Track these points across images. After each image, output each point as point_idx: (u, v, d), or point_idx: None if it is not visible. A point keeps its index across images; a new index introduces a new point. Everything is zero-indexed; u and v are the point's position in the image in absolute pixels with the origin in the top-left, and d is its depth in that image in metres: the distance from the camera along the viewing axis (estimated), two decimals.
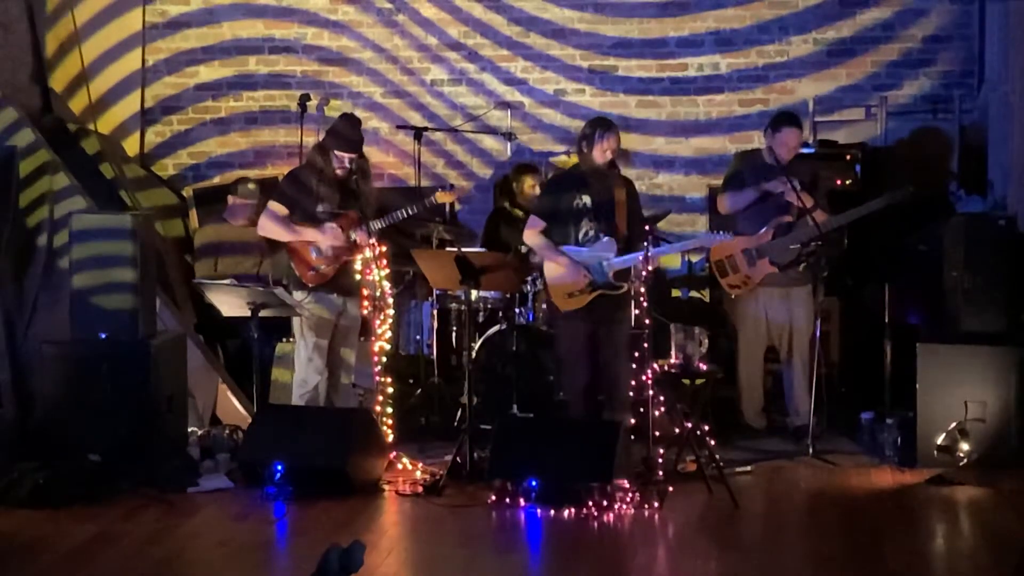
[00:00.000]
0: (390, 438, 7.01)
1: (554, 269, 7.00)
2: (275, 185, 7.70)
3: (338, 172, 7.17)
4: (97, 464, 6.63)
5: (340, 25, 9.67)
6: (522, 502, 6.30)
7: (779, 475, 6.97)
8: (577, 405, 6.97)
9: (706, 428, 6.70)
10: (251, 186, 8.60)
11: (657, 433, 6.55)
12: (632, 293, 6.97)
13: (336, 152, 7.16)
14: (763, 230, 7.55)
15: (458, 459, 6.77)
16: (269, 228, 7.25)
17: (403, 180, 9.49)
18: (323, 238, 7.16)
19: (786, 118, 7.67)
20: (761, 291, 7.63)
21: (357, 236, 7.17)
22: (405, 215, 7.29)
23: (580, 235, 6.93)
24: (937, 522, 6.25)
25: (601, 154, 6.90)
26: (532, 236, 7.06)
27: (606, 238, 6.89)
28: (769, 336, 7.71)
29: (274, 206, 7.22)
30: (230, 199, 8.62)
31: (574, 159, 8.97)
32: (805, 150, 8.49)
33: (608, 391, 6.93)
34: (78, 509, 6.30)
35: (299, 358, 7.30)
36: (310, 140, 8.12)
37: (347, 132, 7.21)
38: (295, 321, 7.29)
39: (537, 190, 8.58)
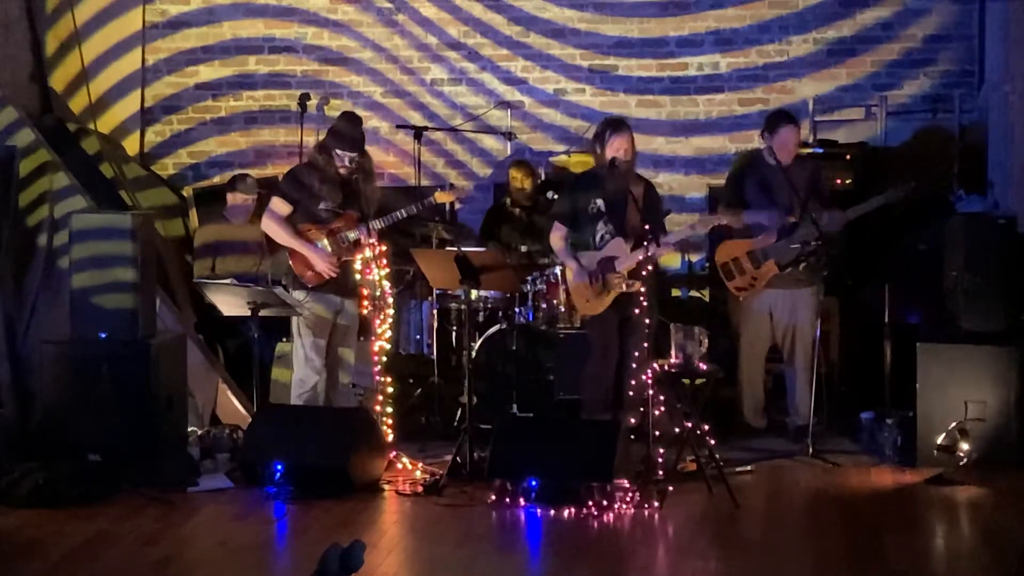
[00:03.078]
0: (390, 438, 7.01)
1: (572, 274, 7.06)
2: (276, 183, 7.69)
3: (340, 171, 7.17)
4: (97, 464, 6.63)
5: (340, 25, 9.67)
6: (522, 502, 6.30)
7: (779, 475, 6.97)
8: (596, 405, 6.98)
9: (706, 428, 6.70)
10: (250, 180, 8.62)
11: (657, 433, 6.55)
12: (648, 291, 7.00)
13: (337, 151, 7.15)
14: (767, 231, 7.54)
15: (458, 459, 6.77)
16: (271, 227, 7.24)
17: (403, 180, 9.49)
18: (316, 260, 7.13)
19: (781, 117, 7.59)
20: (766, 292, 7.62)
21: (359, 235, 7.15)
22: (405, 215, 7.28)
23: (597, 239, 6.98)
24: (937, 522, 6.25)
25: (613, 153, 6.93)
26: (555, 241, 7.21)
27: (617, 238, 6.91)
28: (773, 336, 7.69)
29: (276, 204, 7.22)
30: (229, 198, 8.61)
31: (574, 158, 9.01)
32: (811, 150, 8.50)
33: (621, 390, 6.95)
34: (78, 509, 6.29)
35: (297, 357, 7.29)
36: (310, 140, 8.14)
37: (347, 131, 7.20)
38: (293, 320, 7.29)
39: (518, 183, 8.61)
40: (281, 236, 7.20)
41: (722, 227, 7.64)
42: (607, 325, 7.00)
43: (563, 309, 7.43)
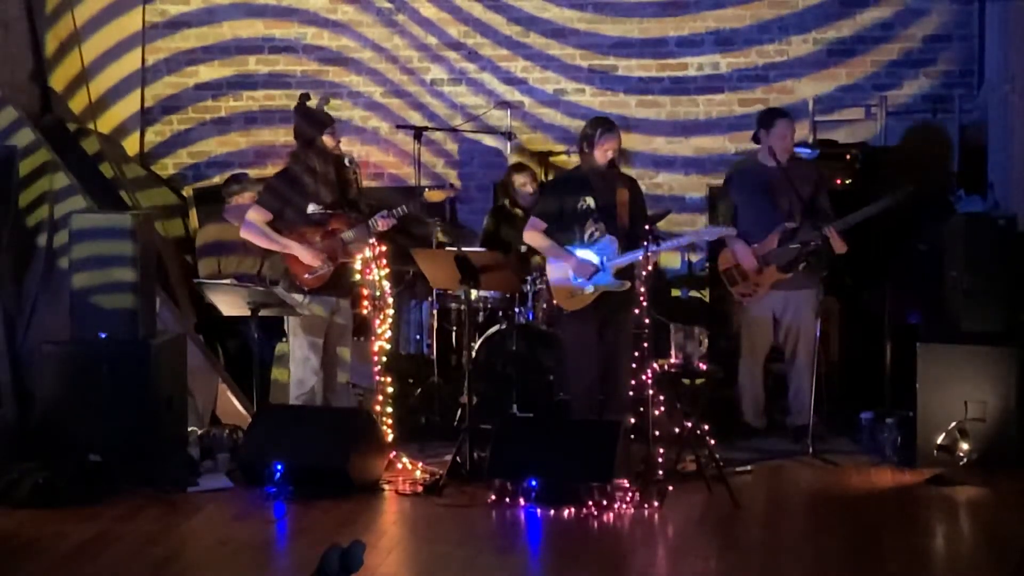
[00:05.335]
0: (390, 438, 7.01)
1: (557, 270, 7.01)
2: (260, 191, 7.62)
3: (337, 152, 7.10)
4: (97, 464, 6.63)
5: (340, 25, 9.66)
6: (522, 502, 6.31)
7: (779, 475, 6.97)
8: (581, 404, 6.97)
9: (706, 428, 6.70)
10: (249, 175, 8.63)
11: (657, 433, 6.55)
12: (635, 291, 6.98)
13: (326, 132, 7.10)
14: (768, 237, 7.54)
15: (458, 459, 6.77)
16: (250, 235, 7.18)
17: (403, 180, 9.49)
18: (303, 255, 7.10)
19: (775, 112, 7.67)
20: (769, 293, 7.61)
21: (357, 237, 7.11)
22: (401, 214, 7.24)
23: (586, 236, 6.95)
24: (937, 522, 6.25)
25: (602, 154, 6.91)
26: (535, 237, 7.07)
27: (608, 237, 6.90)
28: (774, 337, 7.69)
29: (257, 212, 7.14)
30: (235, 199, 8.57)
31: (574, 158, 9.00)
32: (806, 152, 8.48)
33: (609, 391, 6.93)
34: (78, 509, 6.30)
35: (295, 358, 7.26)
36: None
37: (314, 111, 7.16)
38: (289, 321, 7.27)
39: (527, 187, 8.60)
40: (262, 242, 7.15)
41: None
42: (586, 322, 6.95)
43: None
